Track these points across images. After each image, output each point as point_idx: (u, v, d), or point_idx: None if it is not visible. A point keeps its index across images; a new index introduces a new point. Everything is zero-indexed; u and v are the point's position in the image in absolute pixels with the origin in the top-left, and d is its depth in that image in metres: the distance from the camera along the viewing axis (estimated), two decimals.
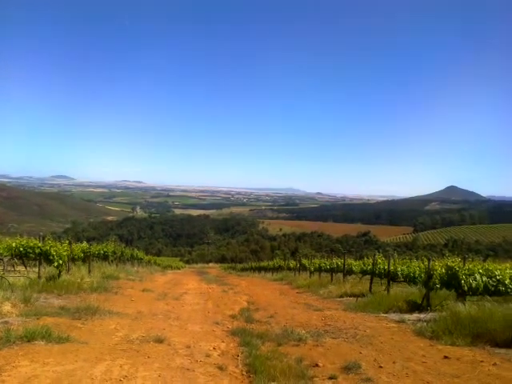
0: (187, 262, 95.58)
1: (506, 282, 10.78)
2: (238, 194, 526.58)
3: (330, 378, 5.75)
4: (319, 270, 24.29)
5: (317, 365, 6.32)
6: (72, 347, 6.39)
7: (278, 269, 35.54)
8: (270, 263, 40.50)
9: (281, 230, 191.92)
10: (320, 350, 7.23)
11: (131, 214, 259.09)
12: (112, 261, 22.69)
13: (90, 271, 16.52)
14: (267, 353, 6.78)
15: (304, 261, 29.75)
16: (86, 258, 18.02)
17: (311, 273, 25.46)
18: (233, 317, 10.51)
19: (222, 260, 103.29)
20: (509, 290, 10.81)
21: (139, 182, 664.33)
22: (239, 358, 6.64)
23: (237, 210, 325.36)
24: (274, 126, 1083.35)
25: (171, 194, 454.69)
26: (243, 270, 49.96)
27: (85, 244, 18.84)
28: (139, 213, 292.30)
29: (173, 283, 20.24)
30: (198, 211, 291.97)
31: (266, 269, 40.63)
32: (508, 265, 13.00)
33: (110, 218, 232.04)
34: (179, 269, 50.86)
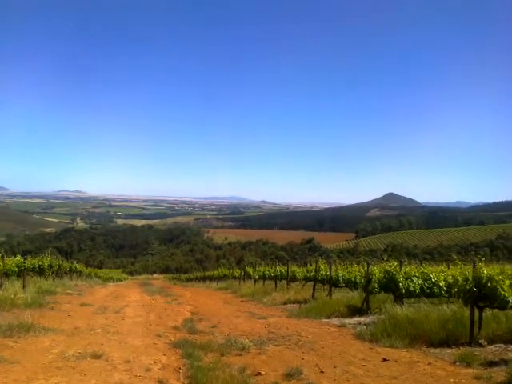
0: (130, 273, 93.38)
1: (441, 285, 11.28)
2: (183, 203, 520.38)
3: None
4: (264, 277, 24.41)
5: (259, 373, 6.30)
6: (2, 368, 6.02)
7: (223, 278, 35.43)
8: (215, 272, 40.32)
9: (226, 238, 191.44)
10: (263, 358, 7.22)
11: (71, 225, 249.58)
12: (49, 275, 21.72)
13: (24, 286, 15.69)
14: (210, 364, 6.68)
15: (249, 269, 29.81)
16: (21, 273, 17.15)
17: (256, 281, 25.53)
18: (175, 328, 10.30)
19: (166, 271, 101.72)
20: (443, 292, 11.32)
21: (79, 192, 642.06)
22: (181, 370, 6.50)
23: (182, 220, 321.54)
24: (219, 134, 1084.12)
25: (113, 203, 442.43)
26: (188, 280, 49.41)
27: (19, 258, 17.93)
28: (79, 224, 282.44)
29: (114, 296, 19.61)
30: (142, 221, 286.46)
31: (211, 278, 40.40)
32: (443, 268, 13.62)
33: (48, 230, 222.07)
34: (121, 281, 49.56)
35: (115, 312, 13.07)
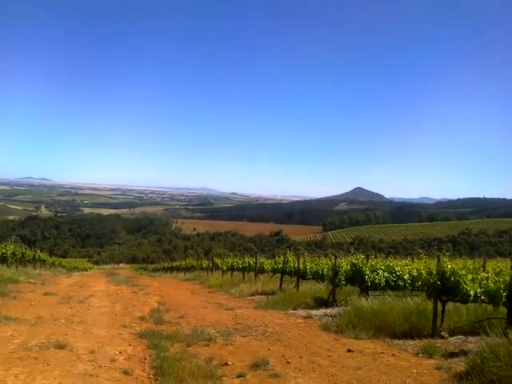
0: (96, 263, 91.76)
1: (405, 278, 11.53)
2: (152, 193, 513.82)
3: (239, 376, 5.77)
4: (232, 269, 24.43)
5: (226, 363, 6.31)
6: None
7: (191, 268, 35.25)
8: (183, 263, 40.08)
9: (195, 229, 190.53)
10: (230, 349, 7.24)
11: (35, 213, 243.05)
12: (12, 263, 21.14)
13: None
14: (176, 354, 6.65)
15: (217, 260, 29.76)
16: None
17: (224, 272, 25.53)
18: (142, 319, 10.20)
19: (133, 260, 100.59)
20: (407, 285, 11.58)
21: (45, 180, 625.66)
22: (147, 360, 6.45)
23: (150, 210, 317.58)
24: (187, 124, 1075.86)
25: (80, 192, 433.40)
26: (155, 270, 49.01)
27: None
28: (44, 212, 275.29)
29: (78, 285, 19.27)
30: (109, 210, 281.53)
31: (178, 269, 40.15)
32: (407, 261, 13.93)
33: (11, 218, 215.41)
34: (87, 270, 48.67)
35: (80, 302, 12.84)
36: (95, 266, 69.39)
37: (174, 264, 45.13)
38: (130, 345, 7.37)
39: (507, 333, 5.96)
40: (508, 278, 6.97)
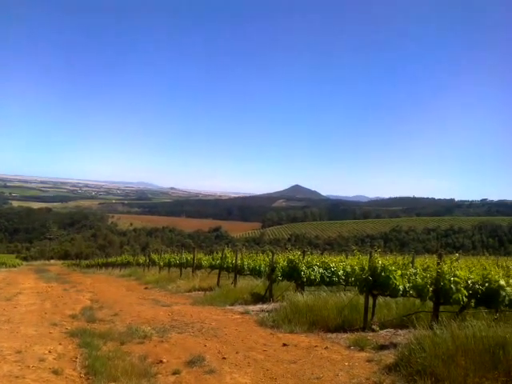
0: (25, 259, 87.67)
1: (340, 274, 11.87)
2: (87, 186, 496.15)
3: (174, 373, 5.71)
4: (169, 265, 24.12)
5: (161, 361, 6.23)
6: None
7: (127, 265, 34.53)
8: (119, 259, 39.21)
9: (132, 224, 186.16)
10: (165, 346, 7.15)
11: None
12: None
13: None
14: (109, 353, 6.48)
15: (154, 256, 29.29)
16: None
17: (161, 268, 25.16)
18: (73, 317, 9.84)
19: (65, 257, 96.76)
20: (341, 281, 11.94)
21: None
22: (78, 360, 6.23)
23: (84, 204, 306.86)
24: (124, 115, 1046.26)
25: (8, 184, 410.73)
26: (89, 266, 47.51)
27: None
28: None
29: (5, 282, 18.34)
30: (40, 204, 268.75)
31: (113, 265, 39.18)
32: (342, 258, 14.36)
33: None
34: (15, 266, 46.45)
35: (7, 299, 12.23)
36: (24, 262, 66.45)
37: (110, 260, 44.02)
38: (60, 344, 7.09)
39: (432, 325, 6.31)
40: (434, 274, 7.34)
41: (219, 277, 16.24)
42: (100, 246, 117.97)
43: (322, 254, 16.23)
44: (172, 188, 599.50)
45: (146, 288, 17.84)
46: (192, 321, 9.40)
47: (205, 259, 20.26)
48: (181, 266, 21.79)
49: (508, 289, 7.23)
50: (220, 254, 17.60)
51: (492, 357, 5.25)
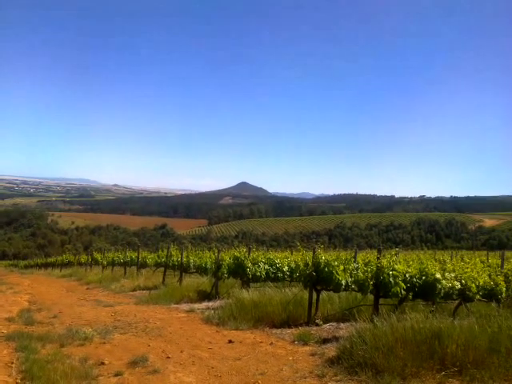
0: None
1: (285, 270, 12.01)
2: (24, 183, 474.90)
3: (116, 374, 5.56)
4: (113, 264, 23.57)
5: (103, 363, 6.05)
6: None
7: (68, 264, 33.45)
8: (59, 259, 37.91)
9: (73, 223, 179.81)
10: (107, 348, 6.95)
11: None
12: None
13: None
14: (48, 356, 6.21)
15: (97, 255, 28.50)
16: None
17: (104, 267, 24.53)
18: (10, 320, 9.38)
19: (2, 257, 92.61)
20: (286, 277, 12.08)
21: None
22: (14, 364, 5.93)
23: (22, 201, 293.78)
24: (65, 109, 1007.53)
25: None
26: (27, 267, 45.68)
27: None
28: None
29: None
30: None
31: (54, 265, 37.91)
32: (287, 254, 14.53)
33: None
34: None
35: None
36: None
37: (50, 260, 42.53)
38: None
39: (373, 318, 6.51)
40: (375, 268, 7.58)
41: (164, 275, 16.03)
42: (39, 245, 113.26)
43: (267, 250, 16.38)
44: (115, 185, 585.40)
45: (87, 288, 17.33)
46: (136, 321, 9.21)
47: (150, 257, 19.93)
48: (125, 264, 21.34)
49: (444, 282, 7.57)
50: (165, 252, 17.37)
51: (428, 347, 5.49)
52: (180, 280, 14.66)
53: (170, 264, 16.23)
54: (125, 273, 20.04)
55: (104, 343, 7.23)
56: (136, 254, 20.35)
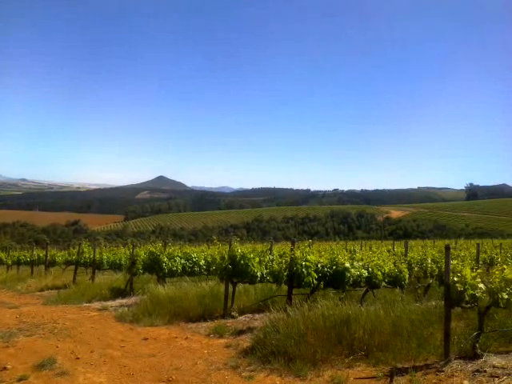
0: None
1: (201, 263, 12.01)
2: None
3: (20, 379, 5.25)
4: (18, 263, 22.23)
5: (5, 368, 5.67)
6: None
7: None
8: None
9: None
10: (10, 351, 6.52)
11: None
12: None
13: None
14: None
15: (1, 254, 26.70)
16: None
17: (9, 267, 23.07)
18: None
19: None
20: (203, 270, 12.09)
21: None
22: None
23: None
24: None
25: None
26: None
27: None
28: None
29: None
30: None
31: None
32: (203, 248, 14.51)
33: None
34: None
35: None
36: None
37: None
38: None
39: (286, 308, 6.70)
40: (289, 259, 7.80)
41: (75, 273, 15.35)
42: None
43: (185, 244, 16.25)
44: (22, 179, 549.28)
45: None
46: (43, 322, 8.72)
47: (60, 255, 19.02)
48: (32, 263, 20.20)
49: (352, 270, 7.97)
50: (77, 249, 16.63)
51: (338, 333, 5.76)
52: (92, 278, 14.13)
53: (82, 261, 15.58)
54: (32, 272, 18.97)
55: (7, 347, 6.77)
56: (44, 252, 19.30)
